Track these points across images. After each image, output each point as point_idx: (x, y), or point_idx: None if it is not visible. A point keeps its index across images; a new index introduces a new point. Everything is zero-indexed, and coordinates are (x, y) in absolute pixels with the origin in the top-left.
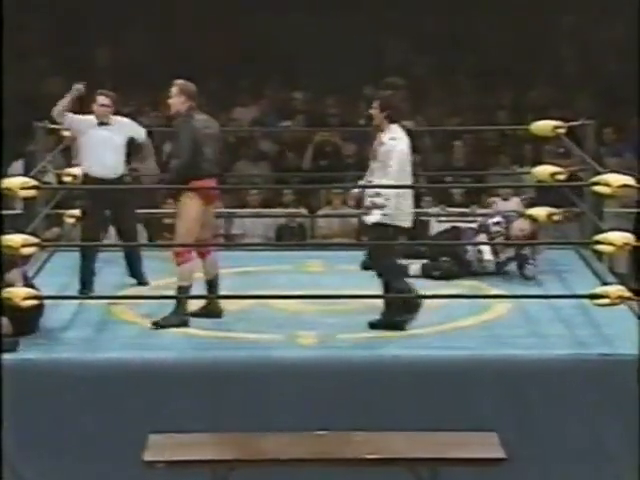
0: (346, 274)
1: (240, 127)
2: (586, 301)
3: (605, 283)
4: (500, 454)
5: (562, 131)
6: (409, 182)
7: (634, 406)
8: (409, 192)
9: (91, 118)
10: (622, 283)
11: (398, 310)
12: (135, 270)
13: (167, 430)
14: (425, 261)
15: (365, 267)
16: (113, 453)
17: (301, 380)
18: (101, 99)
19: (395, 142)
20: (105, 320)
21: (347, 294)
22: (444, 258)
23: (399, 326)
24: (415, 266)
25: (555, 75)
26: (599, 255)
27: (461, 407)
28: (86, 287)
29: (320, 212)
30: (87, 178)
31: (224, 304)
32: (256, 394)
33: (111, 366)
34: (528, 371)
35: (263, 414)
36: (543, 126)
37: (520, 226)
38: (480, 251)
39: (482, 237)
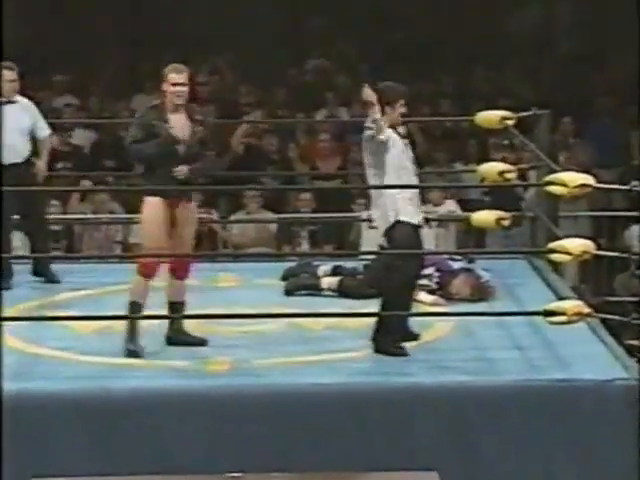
0: (263, 289)
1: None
2: (540, 318)
3: (561, 298)
4: None
5: (511, 122)
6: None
7: (590, 438)
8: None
9: None
10: (580, 297)
11: (392, 337)
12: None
13: (52, 474)
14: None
15: (285, 279)
16: None
17: (211, 413)
18: (9, 74)
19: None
20: None
21: (265, 313)
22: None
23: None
24: (325, 267)
25: (501, 58)
26: (554, 265)
27: (398, 442)
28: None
29: (233, 217)
30: None
31: (117, 325)
32: (157, 430)
33: None
34: (473, 400)
35: (166, 453)
36: (489, 117)
37: (458, 288)
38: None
39: None
